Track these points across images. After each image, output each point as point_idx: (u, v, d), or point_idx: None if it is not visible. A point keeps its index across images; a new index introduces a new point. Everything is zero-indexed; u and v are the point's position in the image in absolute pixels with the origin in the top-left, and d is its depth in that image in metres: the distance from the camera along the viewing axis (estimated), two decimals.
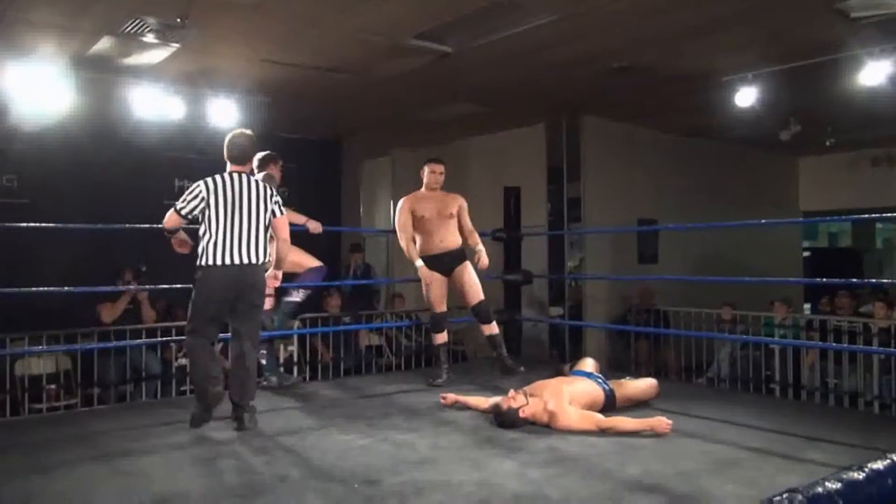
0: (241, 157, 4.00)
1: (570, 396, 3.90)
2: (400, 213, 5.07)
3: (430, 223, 5.03)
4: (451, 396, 4.44)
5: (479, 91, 6.80)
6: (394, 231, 5.25)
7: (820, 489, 0.53)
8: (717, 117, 7.28)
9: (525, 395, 3.87)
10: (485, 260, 5.06)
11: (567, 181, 7.95)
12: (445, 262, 5.04)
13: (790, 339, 6.31)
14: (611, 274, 7.78)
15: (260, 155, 4.88)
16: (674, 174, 8.76)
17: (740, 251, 8.89)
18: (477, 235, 5.24)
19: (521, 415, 3.81)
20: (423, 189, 5.16)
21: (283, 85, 6.34)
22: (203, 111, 6.31)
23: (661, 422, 3.71)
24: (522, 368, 5.12)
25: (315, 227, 5.00)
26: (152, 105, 6.02)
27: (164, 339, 5.40)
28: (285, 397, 4.80)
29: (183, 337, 4.16)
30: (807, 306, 9.81)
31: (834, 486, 0.53)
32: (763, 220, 7.36)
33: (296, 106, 7.22)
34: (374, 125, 8.43)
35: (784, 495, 0.48)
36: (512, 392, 3.92)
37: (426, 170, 5.15)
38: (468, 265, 5.12)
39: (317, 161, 8.73)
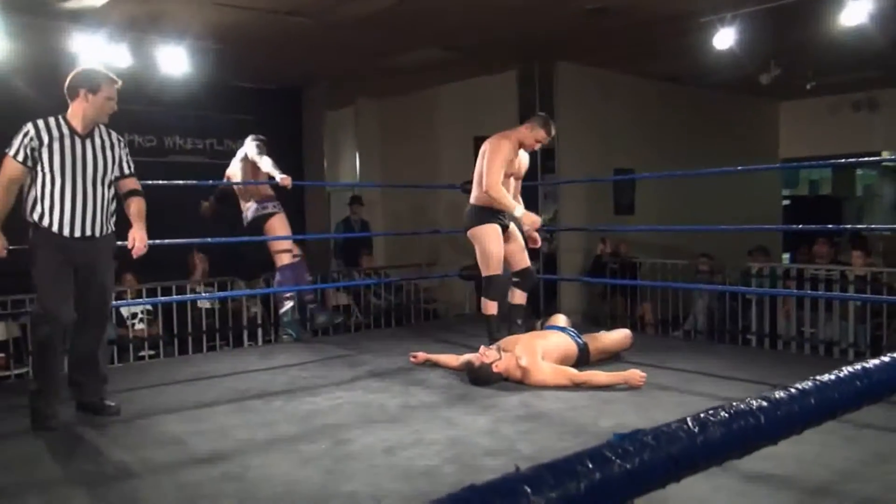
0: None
1: (542, 351, 3.98)
2: (500, 152, 4.45)
3: (509, 178, 4.70)
4: (422, 355, 4.51)
5: (445, 35, 6.72)
6: (384, 185, 5.22)
7: (742, 405, 0.58)
8: (696, 61, 7.30)
9: (498, 350, 3.94)
10: (534, 218, 4.62)
11: None
12: (507, 219, 4.69)
13: (767, 289, 6.48)
14: (587, 225, 7.86)
15: None
16: (651, 122, 8.81)
17: (719, 201, 9.03)
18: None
19: (495, 370, 3.89)
20: (517, 140, 4.63)
21: (238, 30, 6.19)
22: (151, 59, 6.15)
23: (636, 375, 3.82)
24: None
25: (285, 180, 4.96)
26: (95, 53, 5.85)
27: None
28: (247, 359, 4.84)
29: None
30: (786, 256, 10.04)
31: (757, 403, 0.57)
32: (740, 168, 7.46)
33: (251, 53, 7.07)
34: (336, 74, 8.30)
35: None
36: (483, 348, 3.99)
37: (542, 132, 4.57)
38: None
39: (276, 112, 8.59)
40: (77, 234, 3.30)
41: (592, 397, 3.66)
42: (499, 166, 4.48)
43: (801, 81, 8.77)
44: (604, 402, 3.54)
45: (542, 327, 4.63)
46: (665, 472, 0.56)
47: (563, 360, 4.07)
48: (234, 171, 5.36)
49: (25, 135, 3.30)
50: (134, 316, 5.95)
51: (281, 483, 2.60)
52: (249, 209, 5.22)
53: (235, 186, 5.32)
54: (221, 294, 5.17)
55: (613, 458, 0.53)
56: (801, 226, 6.18)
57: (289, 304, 5.38)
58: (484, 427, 3.22)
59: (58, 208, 3.27)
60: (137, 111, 7.45)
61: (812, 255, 7.35)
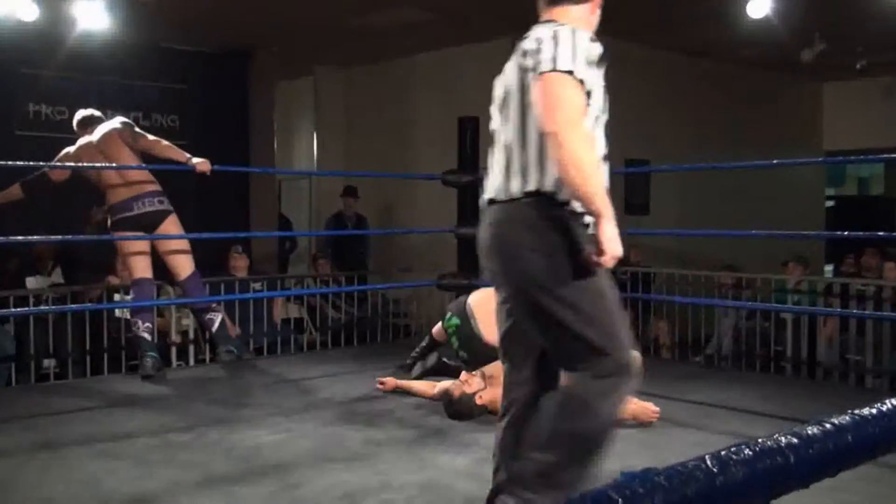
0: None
1: None
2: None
3: None
4: (391, 381, 4.53)
5: None
6: (348, 174, 5.20)
7: (769, 442, 0.60)
8: (726, 32, 7.40)
9: (482, 378, 3.96)
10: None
11: None
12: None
13: (805, 307, 6.57)
14: None
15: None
16: (671, 105, 8.90)
17: (751, 201, 9.14)
18: None
19: (478, 402, 3.91)
20: None
21: None
22: (63, 14, 6.11)
23: (647, 409, 3.85)
24: None
25: (202, 165, 4.94)
26: None
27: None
28: (177, 384, 4.82)
29: None
30: (828, 268, 10.19)
31: (786, 440, 0.60)
32: (776, 161, 7.58)
33: (186, 8, 7.04)
34: (290, 35, 8.29)
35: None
36: (465, 375, 4.01)
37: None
38: None
39: (216, 81, 8.57)
40: None
41: None
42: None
43: (850, 59, 8.91)
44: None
45: None
46: None
47: None
48: (84, 154, 5.13)
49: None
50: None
51: None
52: (137, 201, 5.05)
53: (88, 173, 5.14)
54: (145, 303, 5.15)
55: (620, 500, 0.55)
56: (847, 232, 6.27)
57: (218, 317, 5.36)
58: (463, 469, 3.24)
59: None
60: (46, 77, 7.41)
61: (860, 268, 7.45)
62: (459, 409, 3.93)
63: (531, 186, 2.21)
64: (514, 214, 2.25)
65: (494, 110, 2.45)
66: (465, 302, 4.54)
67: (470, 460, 3.34)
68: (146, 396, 4.52)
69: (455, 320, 4.47)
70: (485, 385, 3.95)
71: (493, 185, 2.33)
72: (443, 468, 3.25)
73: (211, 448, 3.52)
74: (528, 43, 2.29)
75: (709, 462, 0.60)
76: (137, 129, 5.18)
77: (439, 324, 4.66)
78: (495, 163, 2.33)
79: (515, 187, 2.23)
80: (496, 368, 4.10)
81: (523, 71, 2.24)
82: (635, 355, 4.69)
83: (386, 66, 9.31)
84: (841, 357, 6.47)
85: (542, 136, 2.17)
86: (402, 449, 3.51)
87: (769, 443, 0.65)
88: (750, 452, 0.63)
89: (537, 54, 2.19)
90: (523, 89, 2.25)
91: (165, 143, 5.09)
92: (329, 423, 3.91)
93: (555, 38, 2.19)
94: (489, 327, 3.75)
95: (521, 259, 2.21)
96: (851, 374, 6.36)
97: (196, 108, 8.40)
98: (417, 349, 4.82)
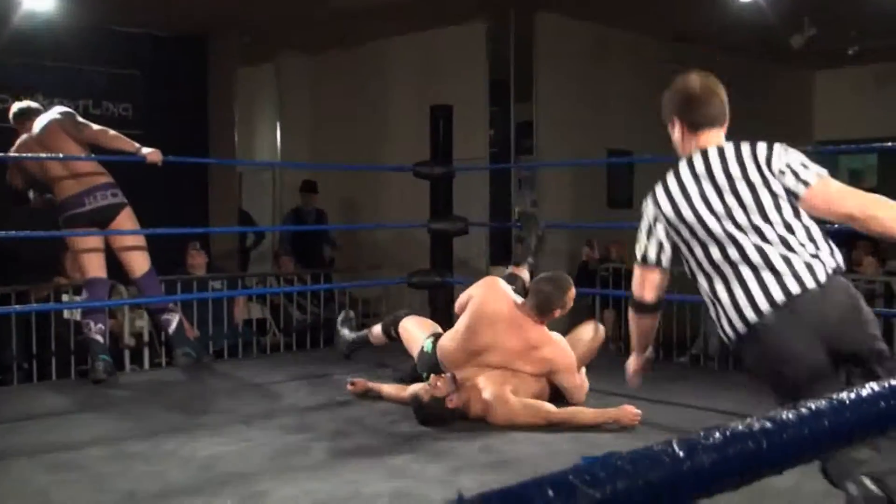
0: None
1: (512, 383, 4.03)
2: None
3: None
4: (361, 382, 4.54)
5: None
6: (314, 166, 5.19)
7: (740, 427, 0.62)
8: (712, 17, 7.45)
9: (453, 381, 3.97)
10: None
11: (515, 100, 8.01)
12: None
13: None
14: (572, 222, 7.96)
15: None
16: (655, 92, 8.94)
17: None
18: None
19: (449, 405, 3.93)
20: None
21: None
22: None
23: (628, 412, 3.90)
24: None
25: (152, 156, 4.91)
26: None
27: None
28: (131, 390, 4.80)
29: None
30: None
31: (759, 425, 0.61)
32: None
33: None
34: (252, 17, 8.26)
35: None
36: (434, 378, 4.02)
37: None
38: None
39: (171, 67, 8.51)
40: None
41: (575, 440, 3.72)
42: None
43: (841, 45, 9.01)
44: (589, 447, 3.61)
45: None
46: (642, 503, 0.60)
47: (538, 394, 4.13)
48: (25, 153, 5.07)
49: None
50: None
51: None
52: (88, 196, 5.02)
53: (33, 169, 5.12)
54: (97, 303, 5.11)
55: (579, 485, 0.57)
56: (837, 225, 6.35)
57: (175, 318, 5.32)
58: (437, 477, 3.26)
59: None
60: None
61: (851, 263, 7.56)
62: (430, 414, 3.94)
63: (833, 264, 2.62)
64: (845, 283, 2.67)
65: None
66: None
67: (443, 468, 3.35)
68: (98, 403, 4.49)
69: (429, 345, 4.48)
70: (456, 388, 3.96)
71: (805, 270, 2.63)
72: (415, 476, 3.26)
73: (168, 458, 3.51)
74: (772, 162, 2.69)
75: (675, 447, 0.62)
76: (80, 119, 5.13)
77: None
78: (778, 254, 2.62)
79: (826, 266, 2.62)
80: (469, 372, 4.13)
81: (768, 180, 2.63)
82: (599, 327, 4.68)
83: (354, 51, 9.29)
84: None
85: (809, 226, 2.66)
86: (371, 457, 3.52)
87: (741, 427, 0.66)
88: (720, 437, 0.65)
89: (792, 170, 2.65)
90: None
91: (112, 132, 5.05)
92: (293, 431, 3.90)
93: (787, 151, 2.70)
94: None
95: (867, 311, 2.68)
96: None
97: (150, 95, 8.34)
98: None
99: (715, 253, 2.63)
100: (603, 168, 8.62)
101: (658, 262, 2.83)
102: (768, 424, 0.67)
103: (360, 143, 8.97)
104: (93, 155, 5.10)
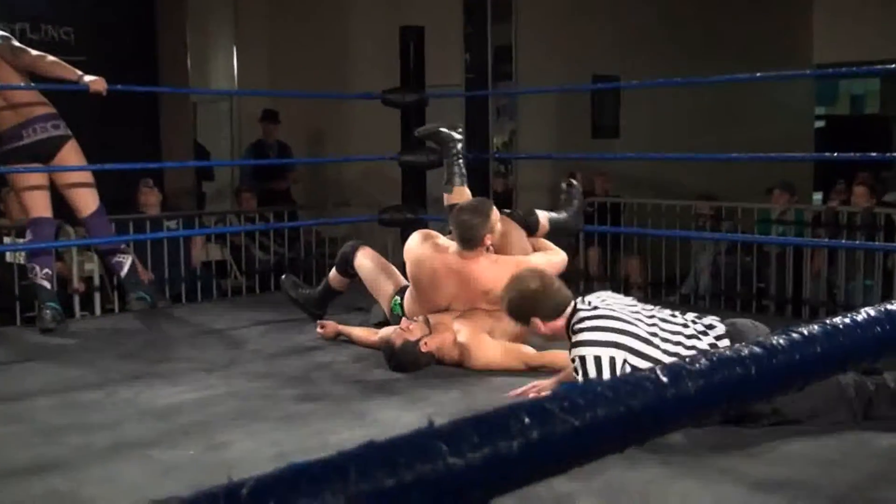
0: None
1: (488, 324, 4.06)
2: None
3: None
4: (331, 325, 4.55)
5: None
6: (273, 94, 5.12)
7: (728, 352, 0.63)
8: None
9: (426, 324, 3.98)
10: None
11: (493, 21, 7.93)
12: None
13: (791, 238, 6.71)
14: (554, 152, 7.95)
15: None
16: (643, 13, 8.90)
17: (731, 121, 9.24)
18: None
19: (423, 349, 3.94)
20: None
21: None
22: None
23: None
24: None
25: (96, 84, 4.83)
26: None
27: None
28: (81, 337, 4.78)
29: None
30: (818, 196, 10.39)
31: (748, 350, 0.62)
32: (759, 75, 7.62)
33: None
34: None
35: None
36: (405, 322, 4.03)
37: None
38: None
39: None
40: None
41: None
42: None
43: None
44: None
45: None
46: (623, 431, 0.60)
47: (517, 336, 4.15)
48: None
49: None
50: None
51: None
52: (27, 128, 4.93)
53: None
54: (42, 244, 5.06)
55: (558, 411, 0.57)
56: (837, 154, 6.40)
57: (127, 260, 5.29)
58: (411, 426, 3.20)
59: None
60: None
61: (851, 194, 7.61)
62: (402, 360, 3.93)
63: None
64: None
65: None
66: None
67: (417, 416, 3.37)
68: (46, 352, 4.47)
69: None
70: (429, 331, 3.97)
71: None
72: (388, 424, 3.28)
73: (123, 407, 3.51)
74: None
75: (659, 373, 0.62)
76: (16, 43, 5.02)
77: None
78: None
79: None
80: (441, 315, 4.14)
81: None
82: (561, 254, 4.66)
83: None
84: (829, 294, 6.65)
85: None
86: (341, 405, 3.54)
87: (729, 353, 0.67)
88: (707, 363, 0.65)
89: None
90: None
91: (52, 58, 4.94)
92: (258, 379, 3.91)
93: None
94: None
95: None
96: (840, 313, 6.55)
97: (94, 18, 8.18)
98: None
99: None
100: (587, 95, 8.58)
101: None
102: (757, 350, 0.67)
103: (325, 69, 8.86)
104: (31, 84, 5.01)
